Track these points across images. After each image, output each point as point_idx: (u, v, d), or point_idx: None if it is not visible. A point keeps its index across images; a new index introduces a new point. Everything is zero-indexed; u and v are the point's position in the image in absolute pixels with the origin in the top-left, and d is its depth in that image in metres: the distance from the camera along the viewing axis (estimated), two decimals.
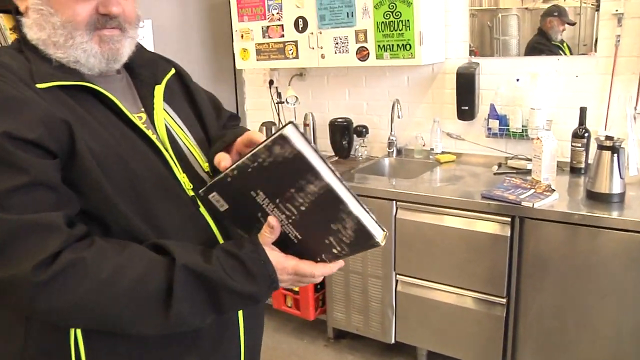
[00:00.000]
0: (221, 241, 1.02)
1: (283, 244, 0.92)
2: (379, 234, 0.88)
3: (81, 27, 0.95)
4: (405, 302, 2.53)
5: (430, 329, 2.48)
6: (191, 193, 1.01)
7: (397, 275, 2.52)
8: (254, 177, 0.86)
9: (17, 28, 1.00)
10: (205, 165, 1.09)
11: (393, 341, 2.63)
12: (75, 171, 0.89)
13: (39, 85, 0.90)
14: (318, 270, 0.93)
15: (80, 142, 0.88)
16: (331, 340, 2.93)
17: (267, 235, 0.90)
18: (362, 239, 0.88)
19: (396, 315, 2.58)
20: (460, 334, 2.40)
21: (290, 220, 0.89)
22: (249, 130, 1.08)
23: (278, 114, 3.47)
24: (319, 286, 2.83)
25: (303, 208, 0.87)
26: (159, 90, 1.09)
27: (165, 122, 1.06)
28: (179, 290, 0.86)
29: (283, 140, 0.80)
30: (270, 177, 0.85)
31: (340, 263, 0.95)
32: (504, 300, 2.26)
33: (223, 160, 0.97)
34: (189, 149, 1.08)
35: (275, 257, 0.91)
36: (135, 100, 1.07)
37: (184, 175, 1.02)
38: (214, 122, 1.20)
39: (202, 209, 1.02)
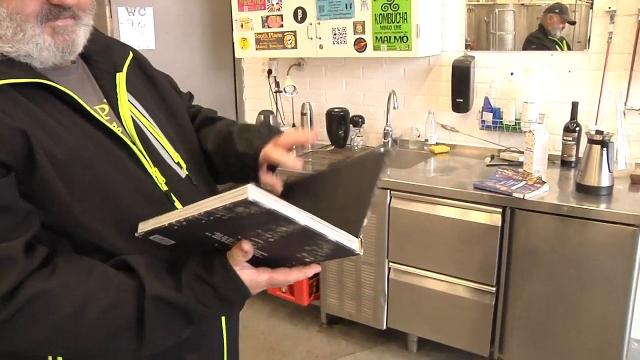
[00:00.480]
0: None
1: (252, 258, 0.86)
2: (356, 246, 0.84)
3: (31, 19, 0.84)
4: (397, 289, 2.58)
5: (421, 316, 2.54)
6: (164, 188, 0.96)
7: (390, 263, 2.58)
8: (209, 225, 0.78)
9: None
10: (176, 156, 1.03)
11: (385, 327, 2.69)
12: (36, 184, 0.81)
13: None
14: (292, 277, 0.90)
15: (39, 152, 0.81)
16: (324, 325, 2.99)
17: (239, 258, 0.84)
18: (339, 253, 0.85)
19: (388, 302, 2.63)
20: (450, 321, 2.46)
21: (256, 247, 0.83)
22: (276, 132, 1.05)
23: (276, 103, 3.50)
24: None
25: (272, 240, 0.81)
26: (121, 79, 1.01)
27: (131, 113, 0.98)
28: (150, 322, 0.82)
29: (249, 203, 0.70)
30: (231, 225, 0.78)
31: (316, 267, 0.91)
32: (493, 289, 2.32)
33: (276, 184, 1.01)
34: (157, 139, 1.01)
35: (248, 275, 0.86)
36: (95, 91, 0.98)
37: (156, 169, 0.96)
38: (182, 107, 1.15)
39: (178, 204, 0.96)
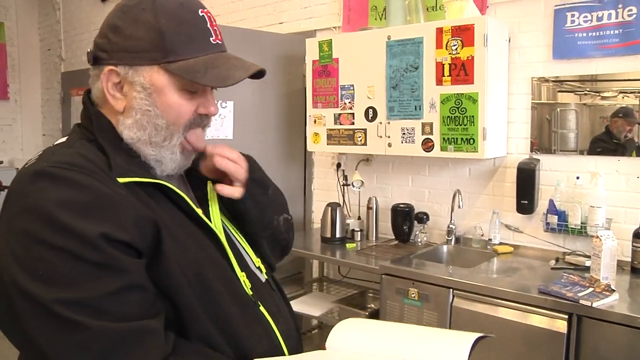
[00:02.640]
0: (282, 342, 1.02)
1: None
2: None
3: (181, 129, 0.96)
4: None
5: None
6: (250, 292, 1.01)
7: None
8: None
9: (86, 116, 1.00)
10: (257, 260, 1.09)
11: None
12: (159, 272, 0.88)
13: (119, 180, 0.89)
14: None
15: (166, 242, 0.88)
16: None
17: None
18: None
19: None
20: None
21: None
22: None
23: (343, 196, 3.63)
24: None
25: None
26: (212, 187, 1.08)
27: (220, 219, 1.06)
28: None
29: None
30: None
31: None
32: None
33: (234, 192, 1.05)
34: (241, 245, 1.08)
35: None
36: (190, 195, 1.05)
37: (243, 273, 1.02)
38: None
39: (262, 309, 1.02)
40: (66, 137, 0.99)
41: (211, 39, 0.96)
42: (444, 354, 0.87)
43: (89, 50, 0.98)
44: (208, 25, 0.96)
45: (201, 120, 0.99)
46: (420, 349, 0.89)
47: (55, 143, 0.98)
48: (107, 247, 0.81)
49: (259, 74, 0.99)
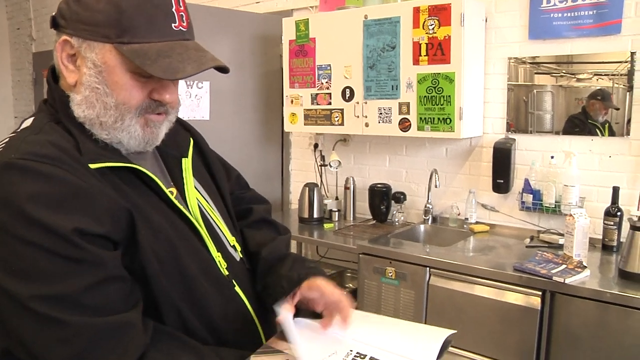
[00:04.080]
0: (257, 322, 1.03)
1: None
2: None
3: (132, 110, 0.91)
4: None
5: None
6: (226, 273, 1.00)
7: None
8: None
9: (50, 94, 0.96)
10: (232, 239, 1.08)
11: None
12: (135, 261, 0.87)
13: (91, 166, 0.86)
14: None
15: (140, 232, 0.87)
16: None
17: None
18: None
19: None
20: None
21: None
22: (315, 276, 1.05)
23: (321, 176, 3.63)
24: None
25: None
26: (187, 165, 1.06)
27: (196, 200, 1.03)
28: None
29: None
30: None
31: None
32: None
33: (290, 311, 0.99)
34: (216, 223, 1.06)
35: None
36: (164, 174, 1.03)
37: (219, 254, 1.01)
38: (227, 189, 1.19)
39: (237, 289, 1.01)
40: (32, 118, 0.95)
41: (173, 25, 0.90)
42: (417, 346, 0.92)
43: (54, 13, 0.93)
44: (173, 9, 0.90)
45: (156, 106, 0.93)
46: (395, 339, 0.93)
47: (22, 127, 0.94)
48: (82, 241, 0.79)
49: (221, 69, 0.94)
